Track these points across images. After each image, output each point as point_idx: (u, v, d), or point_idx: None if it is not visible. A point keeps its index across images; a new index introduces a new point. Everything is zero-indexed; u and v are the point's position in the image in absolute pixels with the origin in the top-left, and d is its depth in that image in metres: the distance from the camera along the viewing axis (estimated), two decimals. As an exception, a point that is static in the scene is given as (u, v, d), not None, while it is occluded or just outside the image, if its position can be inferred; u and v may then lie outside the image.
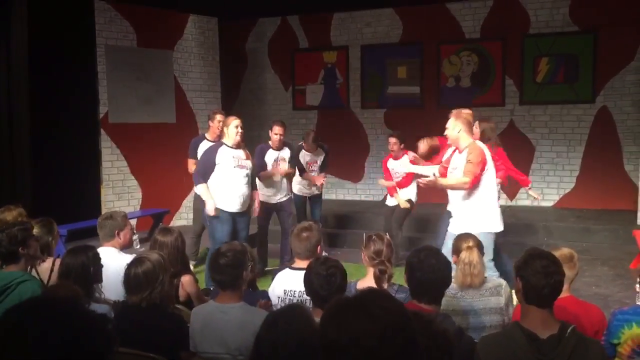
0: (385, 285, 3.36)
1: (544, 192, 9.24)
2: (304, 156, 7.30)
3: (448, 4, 9.62)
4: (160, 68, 9.22)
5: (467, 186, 4.72)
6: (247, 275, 3.19)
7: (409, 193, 7.02)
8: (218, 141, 6.02)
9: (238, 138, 5.77)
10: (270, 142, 6.66)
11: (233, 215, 5.79)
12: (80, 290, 2.91)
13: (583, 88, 9.08)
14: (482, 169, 4.74)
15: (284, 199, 6.76)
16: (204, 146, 6.41)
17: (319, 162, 7.38)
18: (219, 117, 6.60)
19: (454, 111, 4.93)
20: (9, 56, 7.29)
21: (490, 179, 4.83)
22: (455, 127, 4.79)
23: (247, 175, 5.85)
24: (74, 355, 1.25)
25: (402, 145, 6.95)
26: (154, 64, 9.12)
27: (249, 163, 5.90)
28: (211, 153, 5.80)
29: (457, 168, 4.84)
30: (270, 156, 6.63)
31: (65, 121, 8.19)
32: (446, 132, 4.89)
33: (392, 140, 6.98)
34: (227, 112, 10.50)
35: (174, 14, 9.39)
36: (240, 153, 5.84)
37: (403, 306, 1.39)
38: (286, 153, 6.74)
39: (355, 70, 10.33)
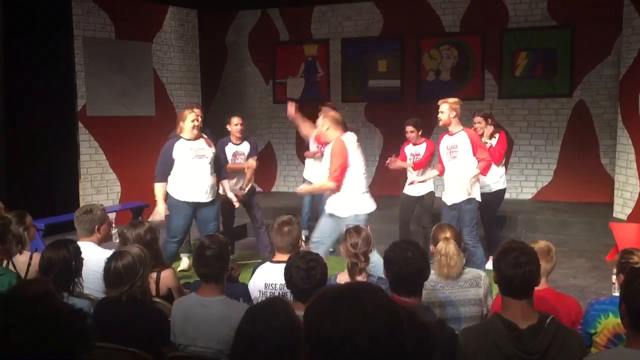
0: (359, 278, 3.39)
1: (522, 184, 9.35)
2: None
3: (428, -2, 9.65)
4: (139, 60, 9.11)
5: (333, 182, 5.07)
6: (230, 267, 3.19)
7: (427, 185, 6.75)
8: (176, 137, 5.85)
9: (196, 131, 5.74)
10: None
11: (195, 205, 5.77)
12: (52, 286, 2.86)
13: (561, 82, 9.18)
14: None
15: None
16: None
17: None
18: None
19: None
20: (-17, 48, 7.16)
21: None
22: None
23: (209, 163, 5.78)
24: (42, 352, 1.22)
25: (419, 133, 6.72)
26: (133, 56, 9.01)
27: (210, 152, 5.83)
28: (168, 149, 5.72)
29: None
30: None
31: (43, 114, 8.05)
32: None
33: (409, 128, 6.74)
34: (207, 105, 10.53)
35: (152, 6, 9.28)
36: (200, 143, 5.78)
37: (396, 304, 1.34)
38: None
39: (336, 64, 10.32)
